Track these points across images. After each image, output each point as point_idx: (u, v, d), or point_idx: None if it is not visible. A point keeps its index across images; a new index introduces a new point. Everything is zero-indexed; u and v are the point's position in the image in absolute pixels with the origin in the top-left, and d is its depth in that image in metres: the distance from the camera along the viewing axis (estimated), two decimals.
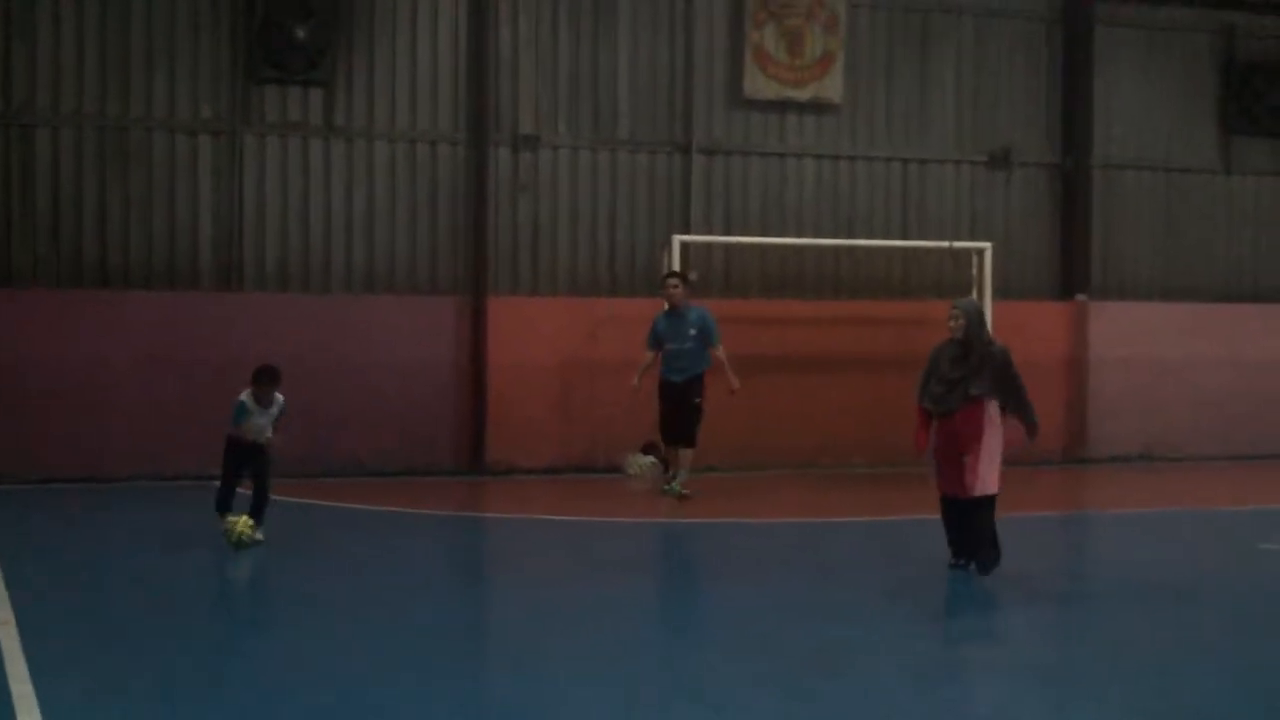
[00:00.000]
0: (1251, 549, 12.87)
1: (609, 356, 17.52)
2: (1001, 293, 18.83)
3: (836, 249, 18.83)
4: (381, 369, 17.11)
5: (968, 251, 18.64)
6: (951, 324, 10.90)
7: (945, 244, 18.66)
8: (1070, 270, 19.80)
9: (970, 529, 10.82)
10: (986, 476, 10.70)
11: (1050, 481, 18.07)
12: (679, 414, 15.48)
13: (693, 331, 15.40)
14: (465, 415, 17.43)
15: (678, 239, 17.41)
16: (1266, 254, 20.94)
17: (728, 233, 18.51)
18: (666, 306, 15.71)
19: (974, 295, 18.57)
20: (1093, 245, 19.93)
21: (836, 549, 12.97)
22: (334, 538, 13.07)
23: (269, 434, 12.16)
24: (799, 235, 18.72)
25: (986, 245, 18.56)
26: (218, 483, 12.31)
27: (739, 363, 15.54)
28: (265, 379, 12.01)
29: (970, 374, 10.74)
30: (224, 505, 12.14)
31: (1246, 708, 7.50)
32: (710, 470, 16.18)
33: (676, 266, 16.81)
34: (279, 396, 12.09)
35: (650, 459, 17.23)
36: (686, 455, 15.54)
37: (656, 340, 15.52)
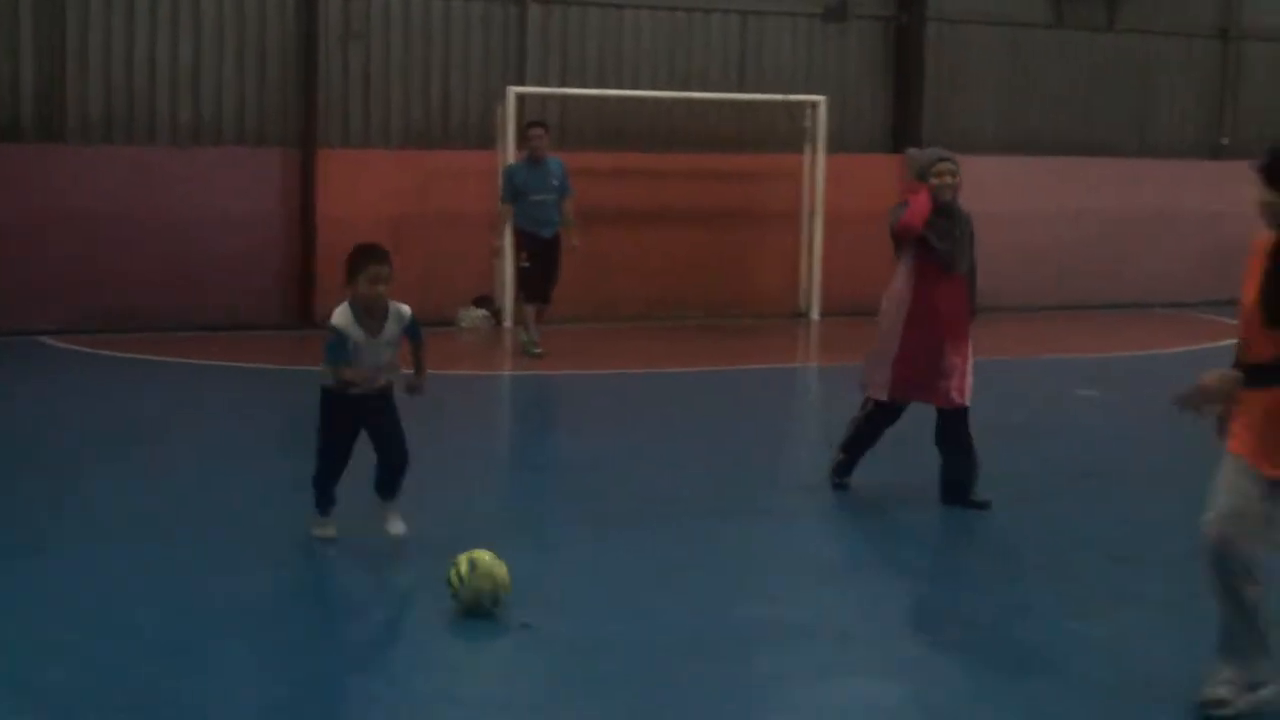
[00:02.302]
0: (1069, 395, 13.73)
1: (441, 209, 17.84)
2: (836, 146, 19.40)
3: (673, 101, 19.24)
4: (209, 223, 17.23)
5: (802, 105, 19.18)
6: (949, 180, 8.99)
7: (780, 98, 19.17)
8: (904, 125, 20.42)
9: (962, 450, 9.15)
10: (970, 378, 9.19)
11: None
12: (551, 271, 15.64)
13: (555, 182, 15.54)
14: (294, 270, 17.65)
15: (513, 91, 17.70)
16: (1099, 107, 21.73)
17: (564, 85, 18.81)
18: (526, 155, 15.86)
19: (806, 149, 19.20)
20: (926, 100, 20.54)
21: (682, 398, 13.58)
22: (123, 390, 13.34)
23: (388, 374, 8.04)
24: (636, 88, 19.08)
25: (821, 99, 19.12)
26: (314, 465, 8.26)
27: (577, 215, 15.94)
28: (371, 259, 7.75)
29: (956, 249, 9.03)
30: (324, 499, 8.24)
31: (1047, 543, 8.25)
32: (548, 323, 16.65)
33: (511, 119, 17.11)
34: (400, 308, 7.92)
35: (483, 312, 17.66)
36: (543, 312, 15.80)
37: (514, 192, 15.52)
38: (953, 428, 9.04)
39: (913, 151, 9.55)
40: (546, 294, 15.74)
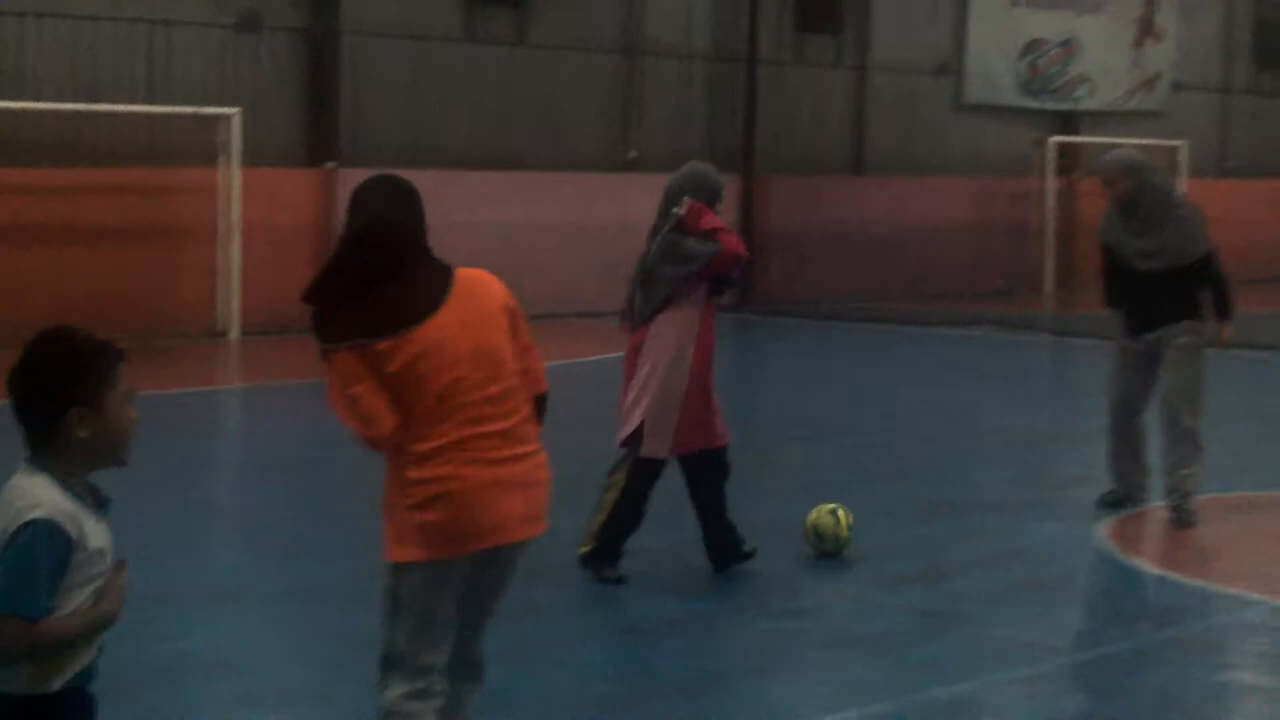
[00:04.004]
0: None
1: None
2: (251, 160, 19.50)
3: (79, 114, 18.85)
4: None
5: (215, 118, 19.21)
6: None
7: (191, 110, 19.13)
8: (319, 137, 20.74)
9: (718, 499, 8.37)
10: None
11: (298, 351, 19.08)
12: None
13: None
14: None
15: None
16: (510, 120, 22.60)
17: None
18: None
19: (221, 163, 19.21)
20: (342, 112, 20.91)
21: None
22: None
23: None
24: (40, 99, 18.61)
25: (235, 111, 19.21)
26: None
27: None
28: (117, 358, 3.73)
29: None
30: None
31: None
32: None
33: None
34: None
35: None
36: None
37: None
38: (717, 469, 8.28)
39: (703, 169, 8.46)
40: None
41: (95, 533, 3.62)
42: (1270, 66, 32.96)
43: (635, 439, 8.06)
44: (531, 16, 22.71)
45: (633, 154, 23.81)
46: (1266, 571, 8.64)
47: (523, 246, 21.97)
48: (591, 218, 22.60)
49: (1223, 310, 9.72)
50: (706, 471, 8.23)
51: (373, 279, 4.72)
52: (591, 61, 23.47)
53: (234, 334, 19.15)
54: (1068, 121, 29.33)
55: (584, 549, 8.16)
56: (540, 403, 4.99)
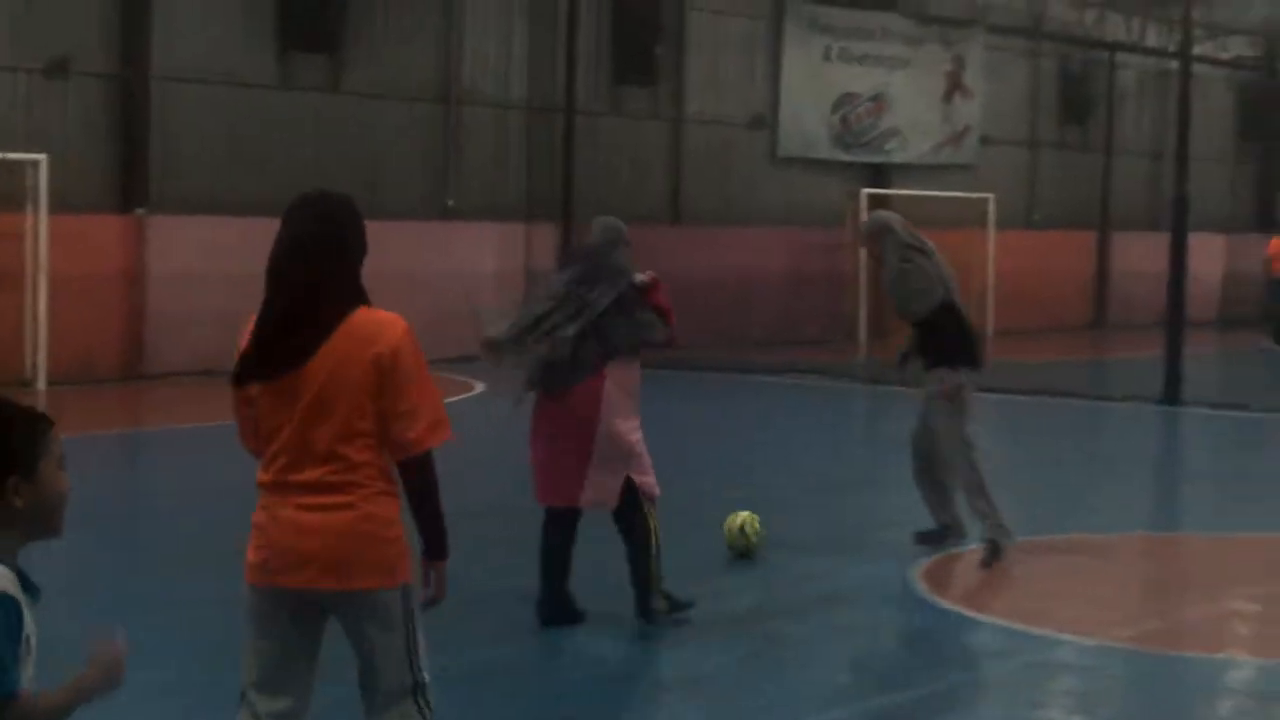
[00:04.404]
0: None
1: None
2: (59, 207, 19.10)
3: None
4: None
5: (22, 163, 18.80)
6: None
7: None
8: (129, 184, 20.40)
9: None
10: None
11: (109, 400, 18.76)
12: None
13: None
14: None
15: None
16: (327, 168, 22.38)
17: None
18: None
19: (29, 209, 18.81)
20: (152, 159, 20.58)
21: None
22: None
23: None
24: None
25: (42, 157, 18.82)
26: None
27: None
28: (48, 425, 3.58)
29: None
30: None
31: None
32: None
33: None
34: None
35: None
36: None
37: None
38: (633, 510, 8.08)
39: (620, 225, 8.39)
40: None
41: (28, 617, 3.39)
42: (1075, 121, 33.92)
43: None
44: (347, 64, 22.58)
45: (451, 202, 23.77)
46: (1075, 612, 8.83)
47: None
48: (410, 266, 22.45)
49: (948, 360, 9.97)
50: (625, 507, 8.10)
51: None
52: (409, 110, 23.41)
53: (41, 383, 18.66)
54: (880, 174, 29.89)
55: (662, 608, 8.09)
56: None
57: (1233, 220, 36.10)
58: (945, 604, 9.10)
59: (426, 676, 4.81)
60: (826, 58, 28.86)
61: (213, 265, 20.27)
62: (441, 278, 22.48)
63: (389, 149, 23.17)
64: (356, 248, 4.91)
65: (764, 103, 28.22)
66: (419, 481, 4.75)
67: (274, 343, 4.73)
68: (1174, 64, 30.09)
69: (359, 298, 4.82)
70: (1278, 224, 27.88)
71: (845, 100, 29.27)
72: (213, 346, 18.37)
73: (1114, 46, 34.18)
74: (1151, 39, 34.56)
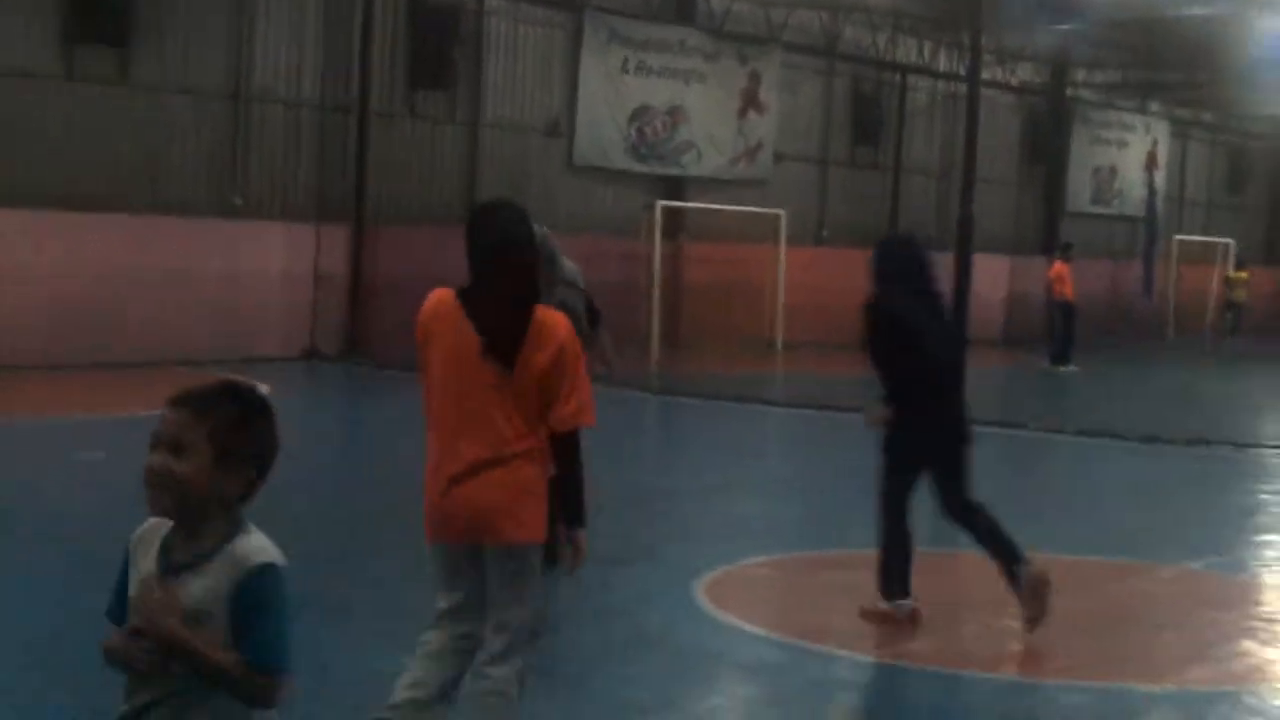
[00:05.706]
0: (67, 459, 13.76)
1: None
2: None
3: None
4: None
5: None
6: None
7: None
8: None
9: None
10: None
11: None
12: None
13: None
14: None
15: None
16: (111, 162, 21.84)
17: None
18: None
19: None
20: None
21: None
22: None
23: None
24: None
25: None
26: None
27: None
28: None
29: None
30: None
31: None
32: None
33: None
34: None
35: None
36: None
37: None
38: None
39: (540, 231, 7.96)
40: None
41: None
42: (865, 140, 34.46)
43: None
44: (134, 57, 22.05)
45: (239, 200, 23.31)
46: (854, 628, 8.87)
47: (122, 292, 21.24)
48: (196, 263, 22.03)
49: None
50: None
51: None
52: (197, 105, 22.91)
53: None
54: (676, 186, 30.04)
55: None
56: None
57: (1017, 243, 37.00)
58: (728, 619, 9.09)
59: None
60: (624, 69, 28.93)
61: None
62: (225, 276, 22.04)
63: (175, 145, 22.66)
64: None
65: (561, 111, 28.18)
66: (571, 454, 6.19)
67: (499, 332, 5.80)
68: (963, 87, 30.82)
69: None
70: (1060, 247, 28.60)
71: (642, 112, 29.37)
72: None
73: (906, 68, 34.84)
74: (942, 62, 35.30)
